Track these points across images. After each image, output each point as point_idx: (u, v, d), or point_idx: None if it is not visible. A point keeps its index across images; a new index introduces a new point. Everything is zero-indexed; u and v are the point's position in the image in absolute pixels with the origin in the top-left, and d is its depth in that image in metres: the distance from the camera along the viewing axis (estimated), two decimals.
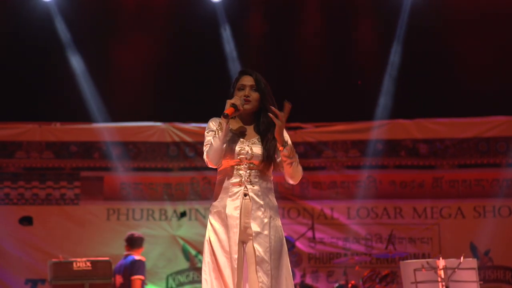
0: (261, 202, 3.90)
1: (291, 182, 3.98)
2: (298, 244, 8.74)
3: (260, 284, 3.80)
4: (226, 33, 9.19)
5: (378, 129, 9.06)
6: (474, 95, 8.93)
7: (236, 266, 3.82)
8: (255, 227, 3.87)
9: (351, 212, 8.99)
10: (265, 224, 3.88)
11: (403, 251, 8.55)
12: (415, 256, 8.71)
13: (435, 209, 8.93)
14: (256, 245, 3.85)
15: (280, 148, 3.87)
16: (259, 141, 3.96)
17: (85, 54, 9.14)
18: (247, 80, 3.98)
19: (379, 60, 9.20)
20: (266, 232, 3.87)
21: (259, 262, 3.82)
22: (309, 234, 8.60)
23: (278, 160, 3.95)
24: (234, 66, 8.94)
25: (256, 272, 3.82)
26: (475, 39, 9.07)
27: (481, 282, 6.11)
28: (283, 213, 8.84)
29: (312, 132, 9.06)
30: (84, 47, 9.15)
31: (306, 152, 8.94)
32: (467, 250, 8.74)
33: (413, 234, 8.91)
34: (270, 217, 3.91)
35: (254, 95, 3.96)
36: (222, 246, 3.87)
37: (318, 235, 8.70)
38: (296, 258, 8.72)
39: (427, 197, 8.98)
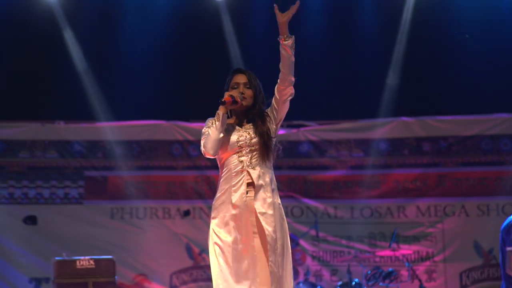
0: (262, 182, 3.92)
1: (285, 84, 4.06)
2: (302, 242, 8.75)
3: (270, 263, 3.80)
4: (230, 32, 9.20)
5: (382, 128, 9.05)
6: (478, 93, 8.92)
7: (255, 254, 3.84)
8: (259, 207, 3.87)
9: (354, 211, 8.98)
10: (269, 204, 3.90)
11: (406, 250, 8.56)
12: (419, 255, 8.71)
13: (439, 207, 8.92)
14: (264, 225, 3.84)
15: (282, 40, 4.14)
16: (255, 127, 4.00)
17: (88, 53, 9.15)
18: (240, 78, 4.07)
19: (383, 57, 9.19)
20: (271, 212, 3.88)
21: (270, 241, 3.82)
22: (313, 232, 8.61)
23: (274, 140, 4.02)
24: (238, 65, 8.93)
25: (267, 251, 3.82)
26: (479, 36, 9.07)
27: None
28: (286, 212, 8.80)
29: (316, 130, 9.03)
30: (88, 46, 9.16)
31: (309, 152, 8.92)
32: (471, 249, 8.73)
33: (417, 232, 8.90)
34: (271, 196, 3.93)
35: (248, 92, 4.03)
36: (226, 237, 3.88)
37: (321, 233, 8.70)
38: (300, 256, 8.73)
39: (430, 196, 8.96)
